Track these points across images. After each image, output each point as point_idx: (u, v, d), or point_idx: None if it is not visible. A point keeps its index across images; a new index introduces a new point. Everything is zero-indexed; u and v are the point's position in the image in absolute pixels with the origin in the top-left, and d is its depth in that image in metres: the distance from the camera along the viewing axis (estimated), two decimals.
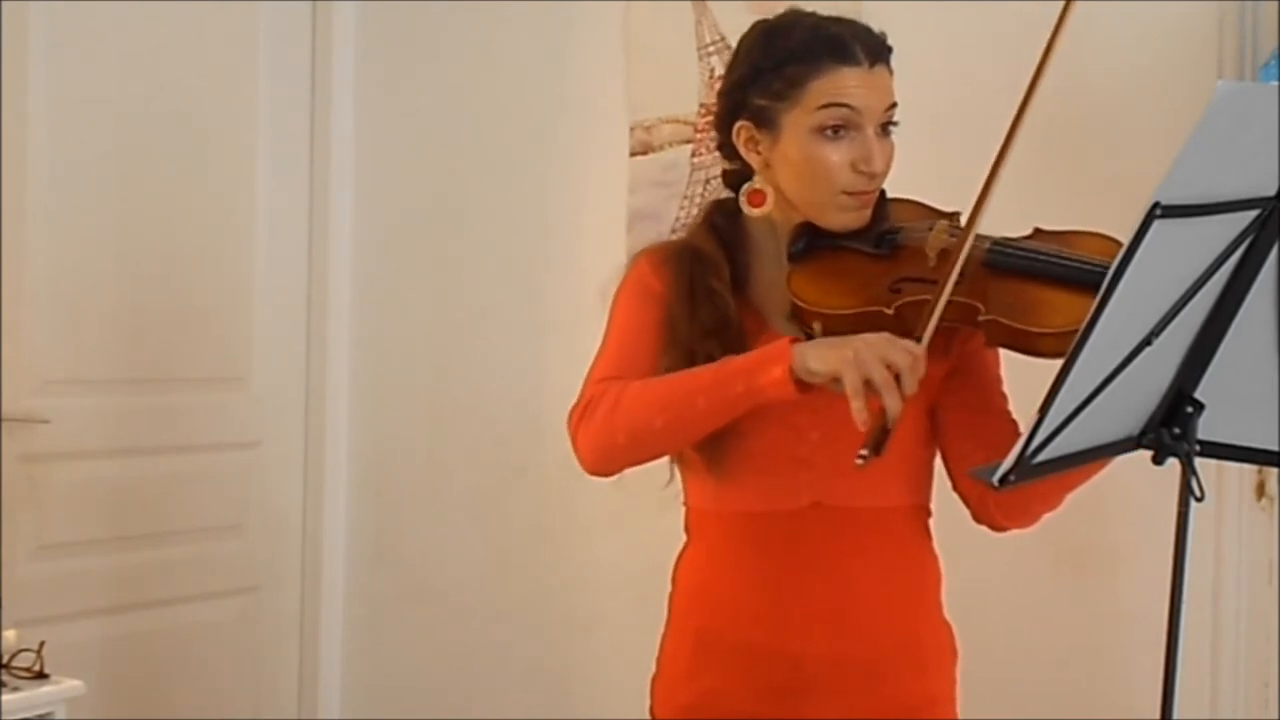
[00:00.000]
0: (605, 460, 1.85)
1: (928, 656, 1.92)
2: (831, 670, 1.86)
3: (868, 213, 1.86)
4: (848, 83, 1.81)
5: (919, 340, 1.69)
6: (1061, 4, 1.70)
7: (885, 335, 1.70)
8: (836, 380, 1.67)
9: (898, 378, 1.65)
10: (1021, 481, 1.54)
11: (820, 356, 1.69)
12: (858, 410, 1.65)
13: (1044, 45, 1.72)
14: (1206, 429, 1.62)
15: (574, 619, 3.51)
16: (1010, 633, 2.81)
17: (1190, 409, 1.61)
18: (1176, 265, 1.47)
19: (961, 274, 1.73)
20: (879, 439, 1.64)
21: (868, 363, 1.65)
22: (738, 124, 1.89)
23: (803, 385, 1.71)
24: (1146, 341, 1.50)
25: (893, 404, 1.64)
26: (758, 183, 1.89)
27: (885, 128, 1.85)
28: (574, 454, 1.87)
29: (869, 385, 1.65)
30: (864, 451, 1.64)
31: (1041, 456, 1.53)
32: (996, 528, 1.89)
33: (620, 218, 3.40)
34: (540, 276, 3.57)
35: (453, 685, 3.69)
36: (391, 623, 3.80)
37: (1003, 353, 1.88)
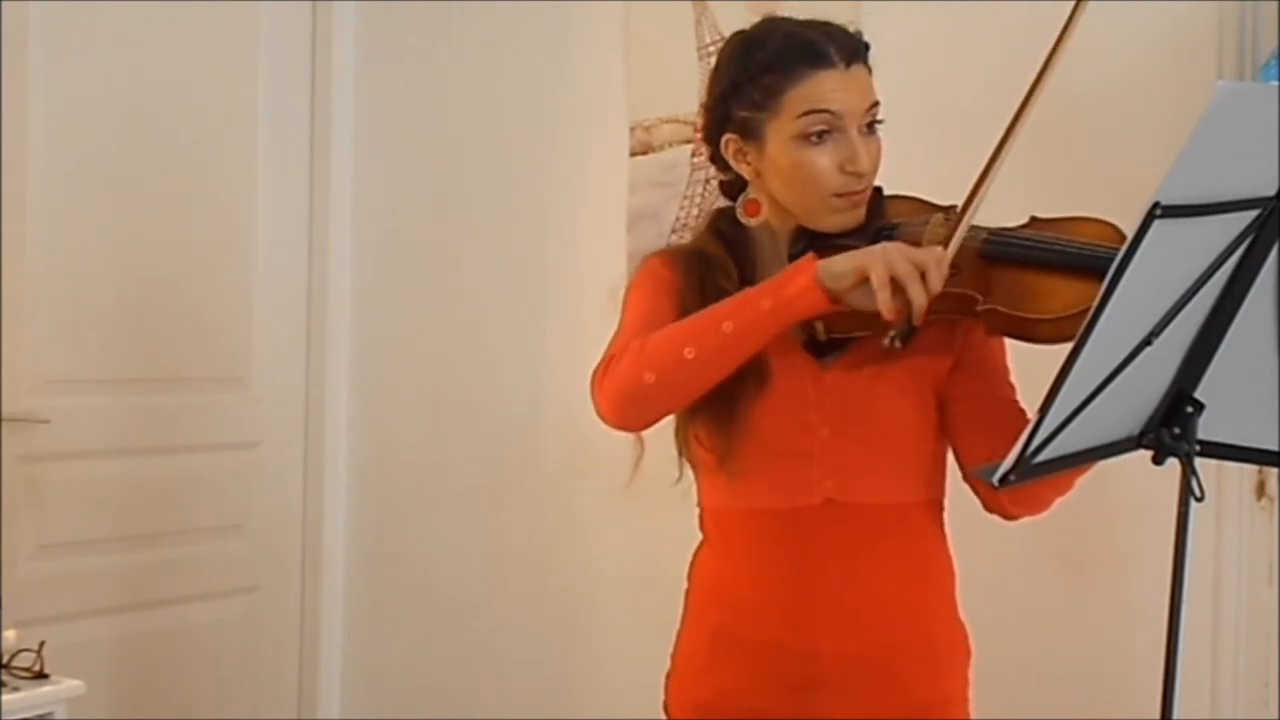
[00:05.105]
0: (630, 406, 1.80)
1: (942, 655, 1.93)
2: (847, 667, 1.86)
3: (861, 212, 1.87)
4: (825, 87, 1.82)
5: (945, 248, 1.73)
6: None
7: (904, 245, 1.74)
8: (864, 279, 1.69)
9: (924, 276, 1.68)
10: (1022, 481, 1.55)
11: (843, 259, 1.72)
12: (884, 300, 1.67)
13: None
14: (1206, 429, 1.62)
15: (573, 619, 3.51)
16: (1009, 631, 2.81)
17: (1190, 409, 1.61)
18: (1176, 265, 1.47)
19: (958, 266, 1.75)
20: (905, 332, 1.71)
21: (894, 258, 1.69)
22: (725, 137, 1.90)
23: (830, 295, 1.72)
24: (1146, 341, 1.50)
25: (917, 294, 1.68)
26: (751, 193, 1.91)
27: (870, 126, 1.86)
28: (596, 411, 1.84)
29: (895, 283, 1.68)
30: (892, 334, 1.71)
31: (1042, 456, 1.53)
32: (1008, 516, 1.89)
33: (620, 218, 3.40)
34: (540, 276, 3.57)
35: (453, 685, 3.69)
36: (391, 623, 3.80)
37: (1011, 345, 1.89)
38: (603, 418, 1.84)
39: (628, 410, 1.81)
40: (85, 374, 3.41)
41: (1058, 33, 1.73)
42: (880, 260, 1.69)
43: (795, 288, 1.73)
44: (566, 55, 3.54)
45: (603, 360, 1.84)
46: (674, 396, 1.81)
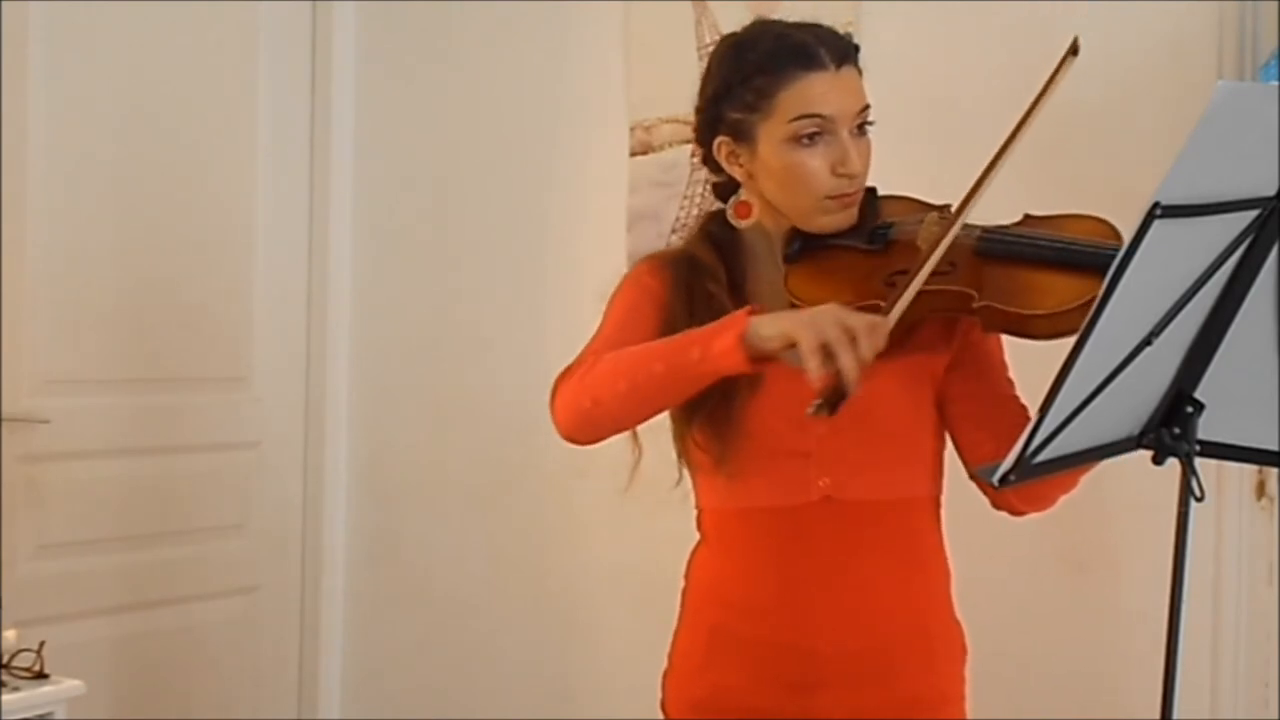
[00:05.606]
0: (575, 424, 1.84)
1: (939, 653, 1.93)
2: (844, 665, 1.86)
3: (854, 212, 1.87)
4: (816, 90, 1.82)
5: (887, 314, 1.68)
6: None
7: (843, 306, 1.69)
8: (792, 345, 1.65)
9: (854, 342, 1.63)
10: (1022, 481, 1.55)
11: (773, 321, 1.69)
12: (813, 369, 1.62)
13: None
14: (1206, 429, 1.62)
15: (573, 619, 3.51)
16: (1009, 631, 2.81)
17: (1190, 409, 1.61)
18: (1176, 265, 1.47)
19: (954, 263, 1.75)
20: (834, 399, 1.62)
21: (824, 325, 1.64)
22: (717, 140, 1.91)
23: (756, 356, 1.69)
24: (1146, 341, 1.50)
25: (848, 364, 1.62)
26: (742, 195, 1.92)
27: (861, 128, 1.86)
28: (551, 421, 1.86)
29: (825, 350, 1.63)
30: (818, 401, 1.62)
31: (1042, 456, 1.53)
32: (1015, 512, 1.90)
33: (620, 218, 3.40)
34: (540, 276, 3.57)
35: (453, 685, 3.69)
36: (391, 623, 3.80)
37: (1012, 346, 1.89)
38: (555, 427, 1.86)
39: (574, 429, 1.85)
40: (85, 374, 3.41)
41: (1052, 69, 1.71)
42: (808, 327, 1.64)
43: (721, 345, 1.70)
44: (566, 55, 3.54)
45: (564, 370, 1.86)
46: (614, 423, 1.84)
